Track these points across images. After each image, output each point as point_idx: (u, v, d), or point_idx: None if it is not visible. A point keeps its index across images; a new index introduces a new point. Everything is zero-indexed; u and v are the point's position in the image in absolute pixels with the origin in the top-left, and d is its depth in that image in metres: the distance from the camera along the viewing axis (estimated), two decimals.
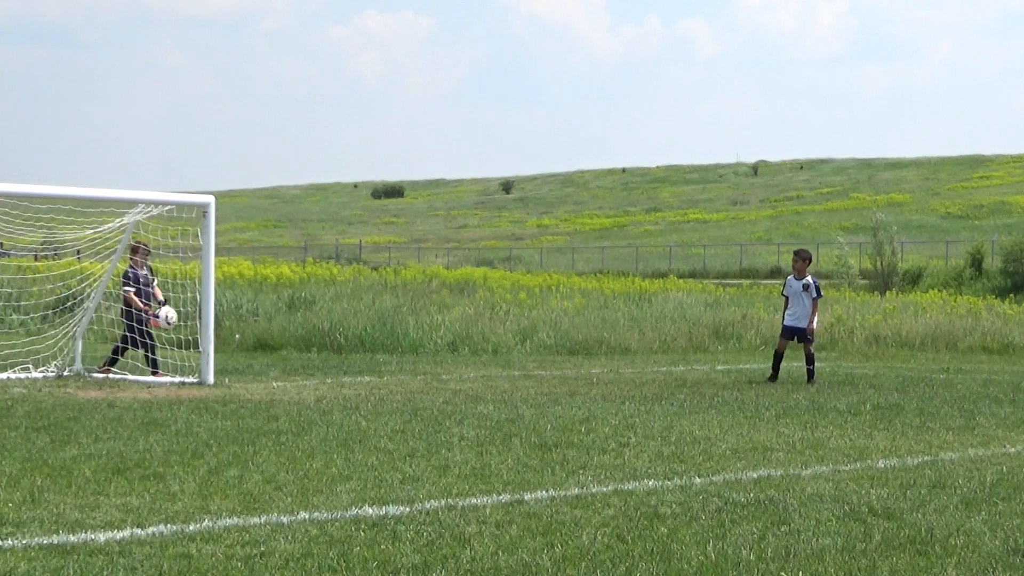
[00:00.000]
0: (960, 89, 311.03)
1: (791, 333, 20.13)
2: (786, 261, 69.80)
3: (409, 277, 38.98)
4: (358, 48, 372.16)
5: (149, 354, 19.61)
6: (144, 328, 19.55)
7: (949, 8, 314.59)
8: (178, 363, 19.52)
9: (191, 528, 8.12)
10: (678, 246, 78.19)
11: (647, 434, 13.13)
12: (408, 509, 8.87)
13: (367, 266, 51.68)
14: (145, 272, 19.87)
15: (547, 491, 9.68)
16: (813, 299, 20.05)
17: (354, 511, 8.77)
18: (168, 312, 19.50)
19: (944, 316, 32.95)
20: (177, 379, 18.80)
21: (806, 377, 20.00)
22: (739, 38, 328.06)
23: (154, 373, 19.33)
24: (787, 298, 20.27)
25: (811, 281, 20.15)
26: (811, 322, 20.02)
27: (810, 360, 20.06)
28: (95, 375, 19.29)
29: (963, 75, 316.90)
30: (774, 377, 20.05)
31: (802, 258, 20.34)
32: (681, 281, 46.31)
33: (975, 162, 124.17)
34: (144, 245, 20.12)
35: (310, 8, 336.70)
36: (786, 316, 20.19)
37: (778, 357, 20.21)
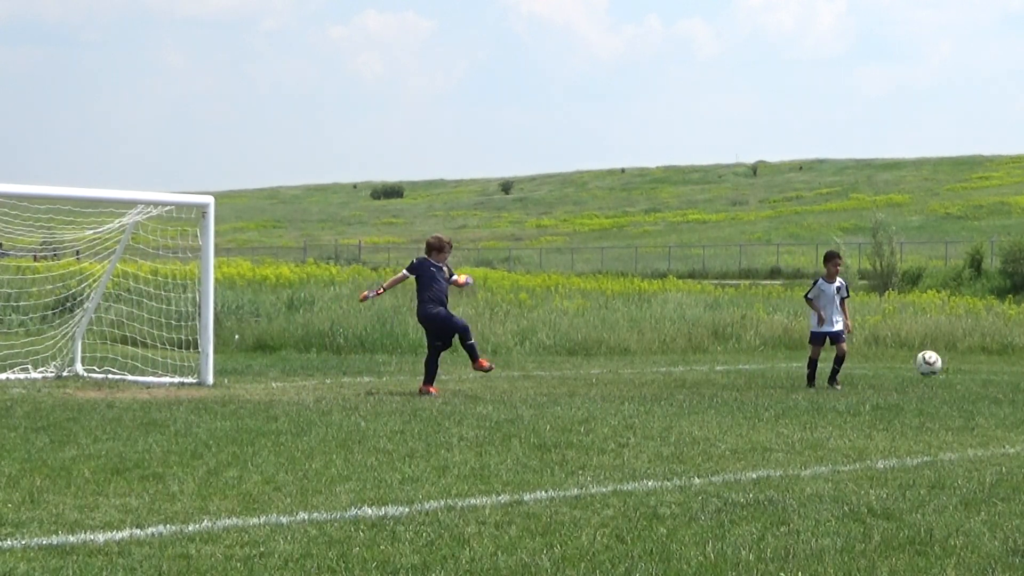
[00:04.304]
0: (959, 89, 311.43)
1: (824, 338, 19.53)
2: (785, 262, 69.87)
3: None
4: (358, 48, 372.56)
5: (431, 362, 17.38)
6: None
7: (949, 8, 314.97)
8: (177, 363, 19.51)
9: (190, 528, 8.11)
10: (677, 246, 78.24)
11: (646, 435, 13.13)
12: (407, 510, 8.86)
13: (366, 266, 51.69)
14: (441, 267, 17.51)
15: (546, 492, 9.68)
16: (843, 298, 19.76)
17: (353, 512, 8.77)
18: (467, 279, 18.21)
19: (943, 317, 32.96)
20: (176, 379, 18.79)
21: (831, 376, 19.32)
22: (739, 38, 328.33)
23: (423, 387, 17.18)
24: (811, 300, 19.72)
25: (843, 283, 19.86)
26: (848, 321, 19.85)
27: (841, 360, 19.55)
28: (424, 395, 16.87)
29: (963, 75, 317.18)
30: (812, 382, 19.50)
31: (837, 262, 19.73)
32: (680, 282, 46.32)
33: (974, 163, 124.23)
34: (445, 241, 17.82)
35: (310, 8, 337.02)
36: (820, 321, 19.44)
37: (814, 365, 19.57)
